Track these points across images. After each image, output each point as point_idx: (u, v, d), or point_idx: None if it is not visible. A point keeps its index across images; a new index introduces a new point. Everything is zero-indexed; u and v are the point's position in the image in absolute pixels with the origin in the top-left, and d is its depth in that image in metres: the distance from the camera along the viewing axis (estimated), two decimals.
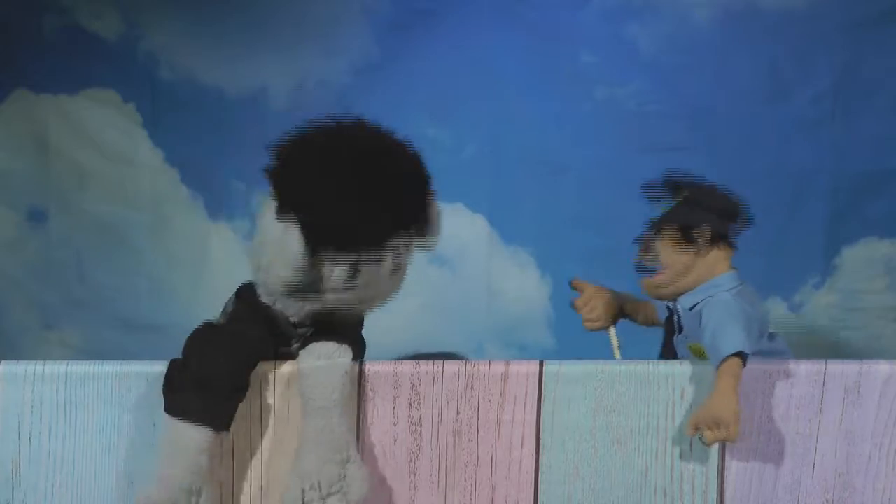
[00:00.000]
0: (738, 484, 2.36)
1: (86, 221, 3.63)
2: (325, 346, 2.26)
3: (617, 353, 2.77)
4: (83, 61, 3.60)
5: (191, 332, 2.25)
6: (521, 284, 3.44)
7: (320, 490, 2.17)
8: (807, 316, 3.60)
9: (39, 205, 3.64)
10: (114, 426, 2.31)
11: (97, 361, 2.33)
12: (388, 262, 2.24)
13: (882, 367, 2.36)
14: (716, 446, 2.34)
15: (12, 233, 3.65)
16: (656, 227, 2.59)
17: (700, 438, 2.27)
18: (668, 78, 3.56)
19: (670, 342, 2.67)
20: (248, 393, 2.25)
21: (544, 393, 2.34)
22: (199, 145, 3.65)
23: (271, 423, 2.32)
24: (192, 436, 2.15)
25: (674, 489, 2.36)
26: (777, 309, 3.58)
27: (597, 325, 2.79)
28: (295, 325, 2.32)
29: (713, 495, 2.36)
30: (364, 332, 2.40)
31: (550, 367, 2.35)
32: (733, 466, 2.36)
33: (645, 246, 2.61)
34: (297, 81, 3.61)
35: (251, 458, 2.32)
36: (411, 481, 2.35)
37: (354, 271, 2.21)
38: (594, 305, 2.78)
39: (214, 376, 2.18)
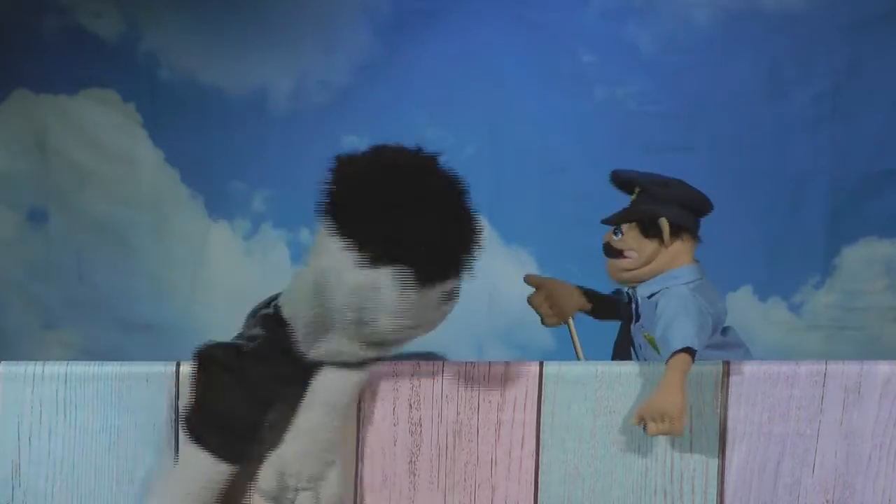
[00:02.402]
0: (738, 484, 2.36)
1: (86, 221, 3.63)
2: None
3: (578, 348, 2.77)
4: (83, 61, 3.60)
5: (207, 353, 2.17)
6: (521, 284, 3.41)
7: (299, 481, 2.16)
8: (807, 316, 3.60)
9: (39, 205, 3.64)
10: (114, 426, 2.30)
11: (97, 362, 2.33)
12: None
13: (882, 367, 2.36)
14: (715, 446, 2.34)
15: (12, 233, 3.65)
16: (616, 220, 2.64)
17: (644, 429, 2.27)
18: (668, 78, 3.56)
19: (627, 329, 2.69)
20: None
21: (544, 393, 2.34)
22: (199, 145, 3.65)
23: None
24: (215, 469, 2.15)
25: (674, 489, 2.36)
26: (777, 309, 3.58)
27: (554, 320, 2.79)
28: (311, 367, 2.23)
29: (713, 495, 2.36)
30: None
31: (550, 367, 2.34)
32: (733, 466, 2.36)
33: (614, 230, 2.65)
34: (297, 81, 3.61)
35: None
36: (411, 481, 2.35)
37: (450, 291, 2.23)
38: (553, 301, 2.78)
39: (237, 423, 2.16)
